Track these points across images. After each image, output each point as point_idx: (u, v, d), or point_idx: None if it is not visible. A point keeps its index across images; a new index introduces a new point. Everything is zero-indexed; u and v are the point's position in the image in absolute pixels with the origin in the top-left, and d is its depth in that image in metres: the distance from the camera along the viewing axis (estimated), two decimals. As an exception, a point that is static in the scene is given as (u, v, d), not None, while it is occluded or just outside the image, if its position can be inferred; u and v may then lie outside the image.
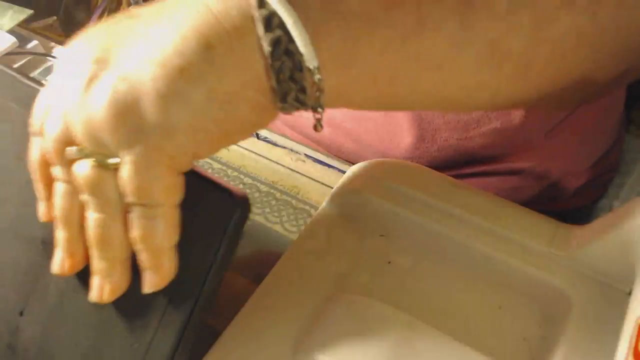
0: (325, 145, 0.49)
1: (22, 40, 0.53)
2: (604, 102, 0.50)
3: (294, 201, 0.38)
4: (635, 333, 0.23)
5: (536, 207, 0.33)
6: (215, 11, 0.22)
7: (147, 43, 0.22)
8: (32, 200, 0.28)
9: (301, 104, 0.23)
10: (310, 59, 0.22)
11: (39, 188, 0.26)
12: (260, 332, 0.28)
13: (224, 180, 0.27)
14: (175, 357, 0.26)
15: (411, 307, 0.29)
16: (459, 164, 0.49)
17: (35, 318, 0.29)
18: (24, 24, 0.55)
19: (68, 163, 0.24)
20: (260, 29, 0.21)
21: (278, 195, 0.38)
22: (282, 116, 0.25)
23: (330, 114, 0.46)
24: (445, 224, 0.31)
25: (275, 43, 0.21)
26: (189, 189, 0.25)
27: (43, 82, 0.48)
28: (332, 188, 0.35)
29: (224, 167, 0.42)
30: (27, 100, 0.32)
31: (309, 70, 0.22)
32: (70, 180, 0.24)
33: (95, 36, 0.24)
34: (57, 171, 0.25)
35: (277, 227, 0.38)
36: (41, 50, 0.53)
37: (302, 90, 0.23)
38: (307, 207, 0.38)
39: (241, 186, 0.41)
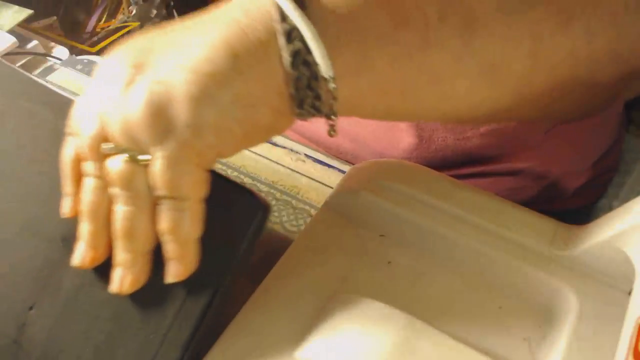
0: (324, 145, 0.49)
1: (22, 40, 0.53)
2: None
3: (294, 201, 0.38)
4: (635, 333, 0.23)
5: (536, 207, 0.33)
6: (242, 24, 0.24)
7: (181, 51, 0.25)
8: (47, 198, 0.30)
9: (316, 111, 0.26)
10: (326, 69, 0.24)
11: (68, 185, 0.28)
12: (260, 332, 0.28)
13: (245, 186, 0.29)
14: (190, 348, 0.27)
15: (411, 307, 0.29)
16: (457, 164, 0.49)
17: (45, 313, 0.29)
18: (24, 24, 0.55)
19: (101, 159, 0.26)
20: (281, 41, 0.24)
21: (278, 195, 0.38)
22: None
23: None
24: (445, 224, 0.31)
25: (294, 54, 0.24)
26: (216, 189, 0.27)
27: (43, 82, 0.48)
28: (332, 188, 0.35)
29: (224, 167, 0.42)
30: (52, 105, 0.35)
31: (325, 79, 0.24)
32: (100, 176, 0.26)
33: (132, 45, 0.26)
34: (88, 167, 0.26)
35: (277, 227, 0.38)
36: (41, 50, 0.53)
37: (318, 97, 0.25)
38: (307, 207, 0.38)
39: (241, 186, 0.41)
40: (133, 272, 0.27)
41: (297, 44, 0.24)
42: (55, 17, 0.79)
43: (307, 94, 0.25)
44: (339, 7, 0.24)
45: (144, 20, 0.94)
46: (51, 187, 0.31)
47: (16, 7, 0.55)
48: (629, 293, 0.28)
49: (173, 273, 0.27)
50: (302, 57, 0.24)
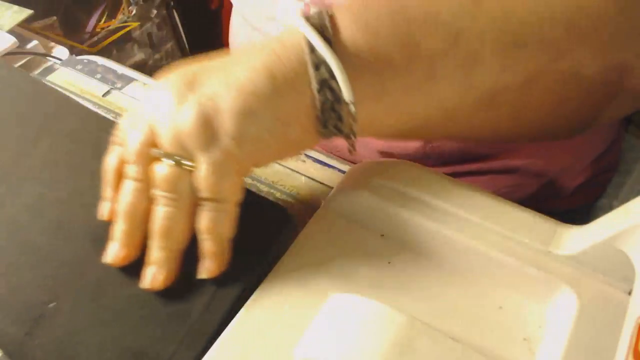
0: (324, 145, 0.49)
1: (22, 40, 0.53)
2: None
3: (294, 201, 0.38)
4: (635, 333, 0.23)
5: (535, 206, 0.33)
6: (279, 54, 0.28)
7: (227, 74, 0.29)
8: (76, 201, 0.34)
9: (338, 131, 0.29)
10: (347, 94, 0.28)
11: (108, 190, 0.32)
12: (260, 332, 0.28)
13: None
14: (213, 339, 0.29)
15: (411, 307, 0.29)
16: (455, 162, 0.49)
17: (64, 307, 0.30)
18: (24, 24, 0.55)
19: (146, 163, 0.29)
20: (310, 70, 0.28)
21: (278, 195, 0.38)
22: None
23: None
24: (445, 223, 0.31)
25: (321, 81, 0.28)
26: (252, 201, 0.31)
27: (43, 82, 0.48)
28: (332, 188, 0.35)
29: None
30: (73, 113, 0.39)
31: (346, 103, 0.28)
32: (141, 179, 0.29)
33: (183, 70, 0.30)
34: (131, 170, 0.30)
35: (277, 227, 0.38)
36: (41, 50, 0.53)
37: (340, 119, 0.29)
38: (307, 207, 0.38)
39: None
40: (166, 269, 0.29)
41: (324, 73, 0.28)
42: (55, 17, 0.79)
43: (330, 115, 0.29)
44: (358, 43, 0.28)
45: (144, 20, 0.94)
46: (80, 191, 0.34)
47: (16, 7, 0.55)
48: (629, 293, 0.28)
49: (206, 269, 0.29)
50: (327, 83, 0.28)
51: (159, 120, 0.29)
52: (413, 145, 0.46)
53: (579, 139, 0.50)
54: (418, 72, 0.29)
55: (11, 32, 0.53)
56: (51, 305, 0.30)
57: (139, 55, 0.95)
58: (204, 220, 0.29)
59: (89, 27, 0.88)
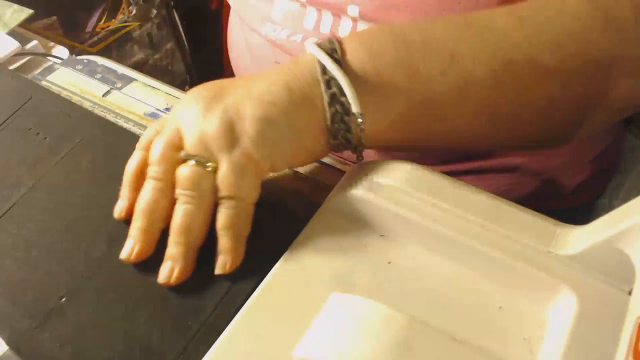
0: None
1: (22, 41, 0.53)
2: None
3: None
4: (635, 333, 0.23)
5: (535, 204, 0.33)
6: (295, 72, 0.32)
7: (248, 87, 0.32)
8: (93, 204, 0.35)
9: (346, 142, 0.33)
10: (355, 107, 0.31)
11: (127, 190, 0.34)
12: (260, 332, 0.28)
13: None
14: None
15: (411, 307, 0.29)
16: (453, 160, 0.49)
17: (77, 302, 0.31)
18: (24, 24, 0.55)
19: (169, 165, 0.32)
20: (322, 86, 0.32)
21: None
22: None
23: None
24: (445, 223, 0.31)
25: (332, 96, 0.31)
26: (268, 205, 0.33)
27: (43, 82, 0.48)
28: (332, 188, 0.35)
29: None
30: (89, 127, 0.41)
31: (354, 115, 0.32)
32: (162, 179, 0.32)
33: (211, 84, 0.33)
34: (153, 170, 0.32)
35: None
36: (41, 50, 0.53)
37: (349, 130, 0.32)
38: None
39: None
40: (182, 264, 0.31)
41: (334, 89, 0.31)
42: (55, 17, 0.79)
43: (340, 126, 0.32)
44: (364, 64, 0.32)
45: (144, 20, 0.94)
46: (95, 193, 0.36)
47: (16, 7, 0.55)
48: (629, 293, 0.28)
49: (222, 265, 0.31)
50: (337, 98, 0.31)
51: (187, 124, 0.32)
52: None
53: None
54: (418, 90, 0.32)
55: (11, 32, 0.53)
56: (63, 299, 0.31)
57: (139, 55, 0.94)
58: (222, 217, 0.31)
59: (89, 27, 0.88)
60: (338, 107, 0.31)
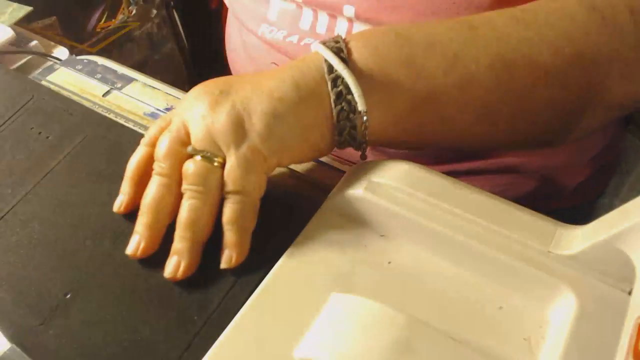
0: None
1: (22, 40, 0.53)
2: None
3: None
4: (635, 333, 0.23)
5: (535, 204, 0.33)
6: (303, 70, 0.33)
7: (257, 83, 0.33)
8: (95, 200, 0.36)
9: (351, 139, 0.33)
10: (361, 105, 0.32)
11: (128, 184, 0.34)
12: (260, 332, 0.28)
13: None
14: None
15: (411, 307, 0.29)
16: (453, 160, 0.49)
17: (81, 299, 0.31)
18: (24, 23, 0.55)
19: (175, 161, 0.32)
20: (329, 85, 0.32)
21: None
22: None
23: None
24: (445, 223, 0.31)
25: (338, 94, 0.32)
26: (274, 203, 0.34)
27: (43, 82, 0.48)
28: (332, 188, 0.35)
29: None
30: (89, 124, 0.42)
31: (360, 112, 0.32)
32: (169, 174, 0.32)
33: (218, 79, 0.34)
34: (159, 166, 0.32)
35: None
36: (41, 50, 0.53)
37: (354, 127, 0.33)
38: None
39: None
40: (187, 259, 0.31)
41: (341, 88, 0.32)
42: (55, 17, 0.79)
43: (346, 124, 0.33)
44: (369, 64, 0.32)
45: (144, 20, 0.94)
46: (99, 191, 0.36)
47: (15, 5, 0.55)
48: (629, 293, 0.28)
49: (227, 259, 0.31)
50: (343, 96, 0.32)
51: (194, 120, 0.32)
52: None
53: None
54: (421, 89, 0.33)
55: (11, 32, 0.52)
56: (67, 296, 0.31)
57: (139, 55, 0.94)
58: (228, 212, 0.31)
59: (89, 27, 0.88)
60: (344, 105, 0.32)
